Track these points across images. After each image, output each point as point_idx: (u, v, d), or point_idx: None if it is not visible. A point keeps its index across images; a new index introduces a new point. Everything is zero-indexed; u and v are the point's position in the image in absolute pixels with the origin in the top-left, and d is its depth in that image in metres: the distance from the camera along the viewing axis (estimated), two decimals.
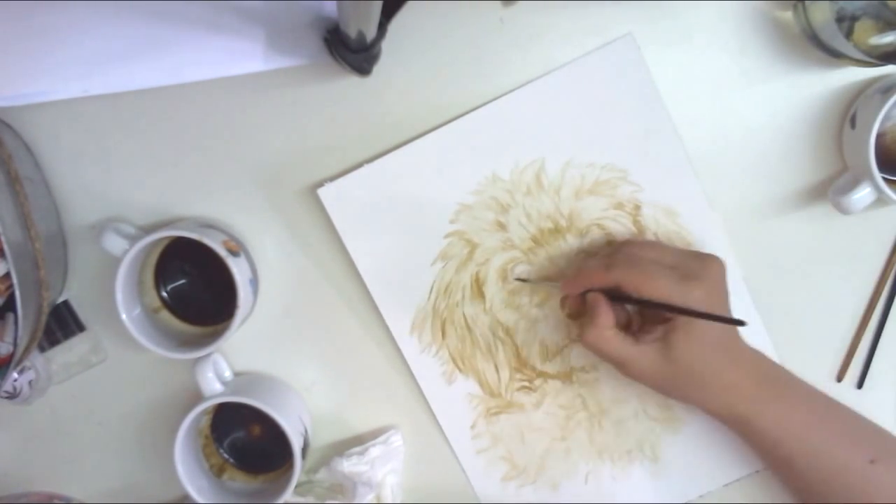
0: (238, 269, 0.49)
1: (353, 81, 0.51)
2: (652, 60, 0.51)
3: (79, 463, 0.57)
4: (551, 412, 0.56)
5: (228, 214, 0.53)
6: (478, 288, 0.54)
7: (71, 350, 0.55)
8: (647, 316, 0.50)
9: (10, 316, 0.49)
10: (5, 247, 0.45)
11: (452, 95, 0.51)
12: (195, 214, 0.53)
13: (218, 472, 0.56)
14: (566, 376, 0.55)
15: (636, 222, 0.53)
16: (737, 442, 0.51)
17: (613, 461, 0.56)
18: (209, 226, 0.52)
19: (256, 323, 0.55)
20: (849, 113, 0.51)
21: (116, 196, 0.53)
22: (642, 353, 0.47)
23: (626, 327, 0.50)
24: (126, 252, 0.49)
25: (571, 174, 0.52)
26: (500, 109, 0.51)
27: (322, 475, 0.56)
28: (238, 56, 0.50)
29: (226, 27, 0.50)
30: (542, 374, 0.55)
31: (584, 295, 0.49)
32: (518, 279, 0.53)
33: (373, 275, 0.53)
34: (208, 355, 0.52)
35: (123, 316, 0.49)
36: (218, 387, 0.52)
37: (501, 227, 0.53)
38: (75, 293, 0.55)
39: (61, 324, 0.54)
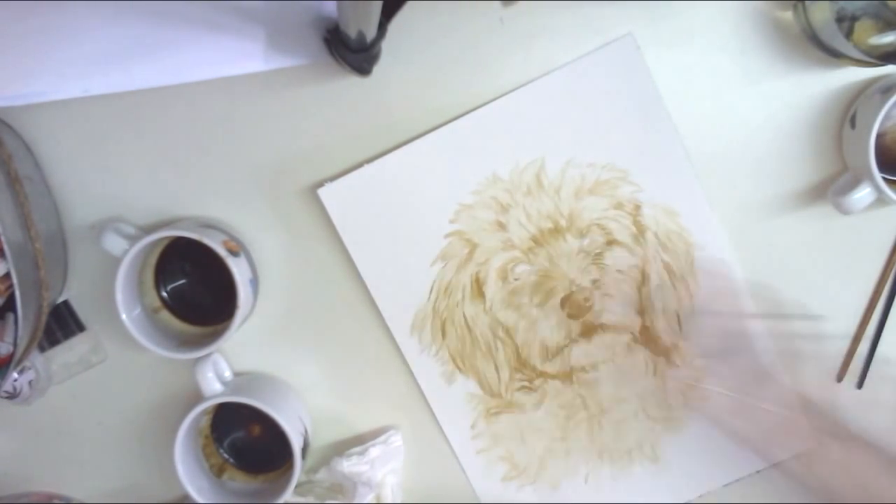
0: (238, 269, 0.49)
1: (353, 81, 0.51)
2: (652, 60, 0.51)
3: (79, 463, 0.57)
4: (551, 412, 0.56)
5: (228, 214, 0.53)
6: (478, 288, 0.54)
7: (71, 350, 0.55)
8: None
9: (10, 316, 0.49)
10: (5, 247, 0.45)
11: (452, 95, 0.51)
12: (195, 214, 0.53)
13: (218, 472, 0.56)
14: (566, 376, 0.55)
15: (636, 222, 0.53)
16: (737, 442, 0.51)
17: (613, 461, 0.56)
18: (209, 226, 0.52)
19: (256, 323, 0.55)
20: (849, 113, 0.51)
21: (116, 196, 0.53)
22: None
23: None
24: (126, 252, 0.49)
25: (571, 174, 0.52)
26: (500, 109, 0.51)
27: (322, 475, 0.56)
28: (238, 56, 0.50)
29: (226, 27, 0.50)
30: (542, 374, 0.55)
31: None
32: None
33: (373, 275, 0.53)
34: (208, 355, 0.52)
35: (123, 316, 0.49)
36: (218, 387, 0.52)
37: (501, 226, 0.53)
38: (75, 293, 0.55)
39: (61, 324, 0.54)
